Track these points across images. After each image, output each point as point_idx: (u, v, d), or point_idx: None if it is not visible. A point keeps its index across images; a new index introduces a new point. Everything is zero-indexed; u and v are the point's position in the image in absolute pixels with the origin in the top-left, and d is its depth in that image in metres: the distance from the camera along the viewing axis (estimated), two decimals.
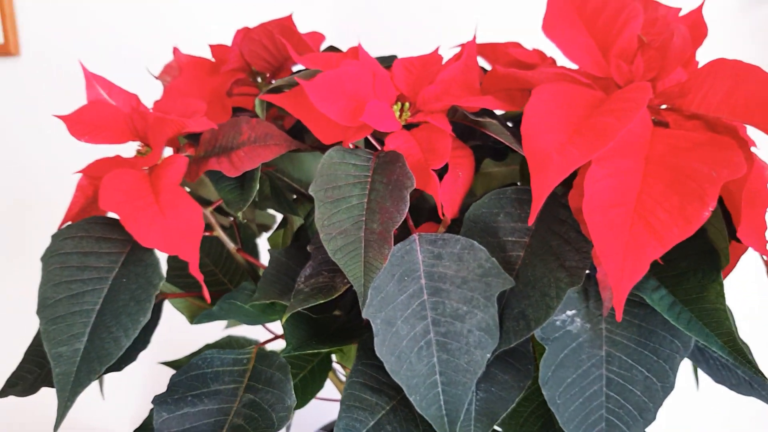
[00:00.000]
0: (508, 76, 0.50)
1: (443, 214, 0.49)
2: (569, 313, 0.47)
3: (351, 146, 0.49)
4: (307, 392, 0.56)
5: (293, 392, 0.48)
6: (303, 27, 0.61)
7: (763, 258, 0.50)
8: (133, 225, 0.46)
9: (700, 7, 0.54)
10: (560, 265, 0.46)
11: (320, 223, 0.46)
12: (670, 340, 0.47)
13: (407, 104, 0.50)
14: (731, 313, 0.47)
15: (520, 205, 0.49)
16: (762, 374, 0.45)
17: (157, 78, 0.60)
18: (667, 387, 0.47)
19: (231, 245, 0.58)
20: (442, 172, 0.49)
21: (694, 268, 0.46)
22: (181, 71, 0.58)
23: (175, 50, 0.59)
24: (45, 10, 1.09)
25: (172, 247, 0.47)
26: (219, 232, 0.57)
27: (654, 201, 0.42)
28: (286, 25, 0.57)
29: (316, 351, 0.55)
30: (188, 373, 0.49)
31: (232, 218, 0.66)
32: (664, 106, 0.49)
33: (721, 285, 0.45)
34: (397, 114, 0.50)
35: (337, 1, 1.04)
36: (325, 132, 0.49)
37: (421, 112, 0.49)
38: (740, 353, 0.43)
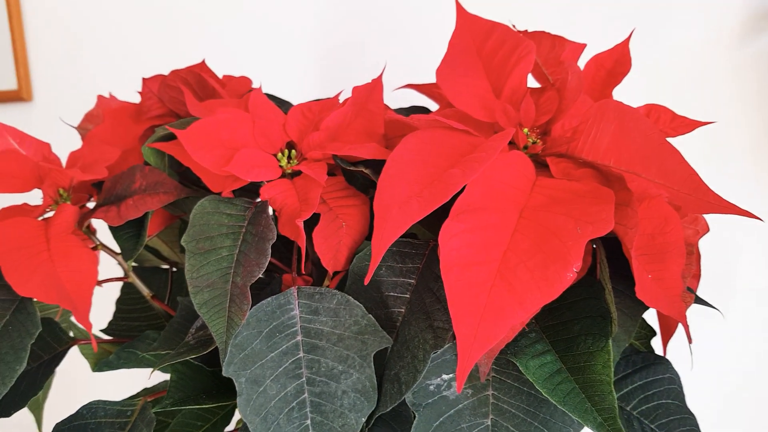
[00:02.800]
0: (396, 122, 0.47)
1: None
2: (445, 377, 0.43)
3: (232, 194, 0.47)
4: None
5: None
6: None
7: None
8: (11, 274, 0.47)
9: (627, 40, 0.50)
10: (429, 325, 0.42)
11: (189, 275, 0.44)
12: (562, 412, 0.42)
13: (294, 152, 0.48)
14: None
15: (401, 258, 0.46)
16: None
17: (76, 128, 0.61)
18: None
19: (145, 291, 0.57)
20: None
21: (585, 332, 0.42)
22: (104, 118, 0.58)
23: (99, 98, 0.60)
24: (58, 57, 1.14)
25: (53, 296, 0.47)
26: (134, 279, 0.57)
27: (518, 259, 0.38)
28: (196, 71, 0.57)
29: (214, 405, 0.53)
30: (71, 423, 0.49)
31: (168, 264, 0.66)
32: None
33: (609, 354, 0.40)
34: (284, 162, 0.48)
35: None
36: (211, 180, 0.48)
37: (306, 160, 0.48)
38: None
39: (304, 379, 0.44)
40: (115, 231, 0.52)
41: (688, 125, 0.48)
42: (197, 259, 0.45)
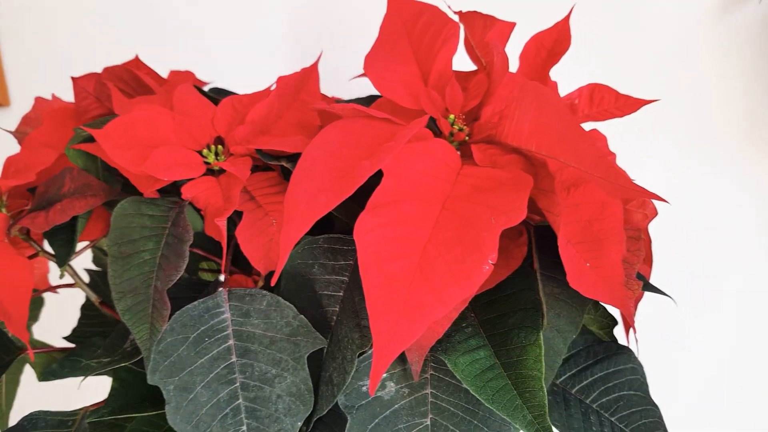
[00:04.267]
0: (327, 113, 0.45)
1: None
2: None
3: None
4: None
5: None
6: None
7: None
8: None
9: (567, 17, 0.48)
10: (357, 324, 0.40)
11: (112, 281, 0.43)
12: None
13: (220, 147, 0.47)
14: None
15: (333, 255, 0.44)
16: None
17: (13, 133, 0.59)
18: None
19: (93, 297, 0.56)
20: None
21: (519, 326, 0.40)
22: (43, 121, 0.57)
23: (37, 99, 0.59)
24: (33, 60, 1.13)
25: None
26: (80, 284, 0.56)
27: (437, 252, 0.36)
28: (130, 68, 0.55)
29: (154, 413, 0.52)
30: None
31: None
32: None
33: (541, 348, 0.38)
34: (211, 158, 0.46)
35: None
36: (136, 180, 0.46)
37: (232, 155, 0.46)
38: (547, 431, 0.36)
39: (238, 384, 0.43)
40: (49, 237, 0.51)
41: (633, 104, 0.46)
42: (119, 264, 0.43)
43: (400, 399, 0.41)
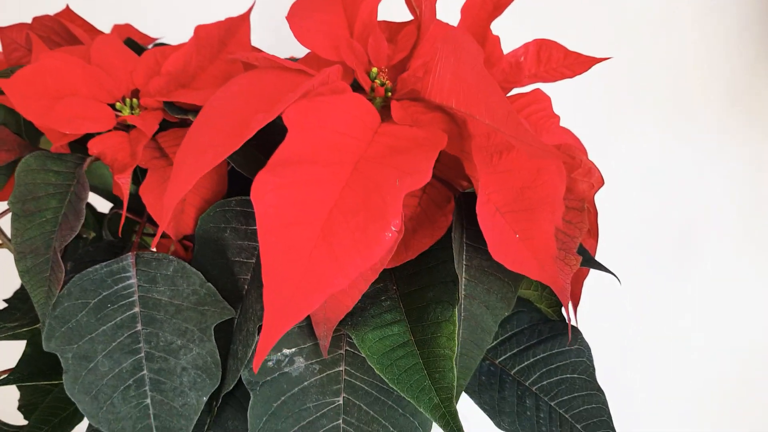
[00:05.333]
0: (247, 65, 0.42)
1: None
2: (286, 351, 0.38)
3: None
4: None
5: None
6: None
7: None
8: None
9: None
10: (260, 295, 0.37)
11: (14, 240, 0.40)
12: None
13: (135, 100, 0.43)
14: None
15: (245, 219, 0.41)
16: None
17: None
18: None
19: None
20: None
21: (436, 300, 0.37)
22: None
23: None
24: None
25: None
26: (7, 245, 0.53)
27: (343, 218, 0.32)
28: (59, 18, 0.51)
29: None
30: None
31: None
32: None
33: (455, 325, 0.35)
34: (126, 111, 0.43)
35: None
36: (48, 134, 0.43)
37: (145, 109, 0.43)
38: (452, 416, 0.33)
39: (142, 354, 0.40)
40: None
41: (583, 63, 0.42)
42: (22, 222, 0.40)
43: (309, 376, 0.38)
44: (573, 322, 0.49)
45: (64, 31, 0.53)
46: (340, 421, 0.38)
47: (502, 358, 0.47)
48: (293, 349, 0.38)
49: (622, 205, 0.91)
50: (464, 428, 0.35)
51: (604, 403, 0.46)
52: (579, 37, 0.85)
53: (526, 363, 0.47)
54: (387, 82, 0.38)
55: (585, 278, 0.47)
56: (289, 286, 0.32)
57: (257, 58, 0.38)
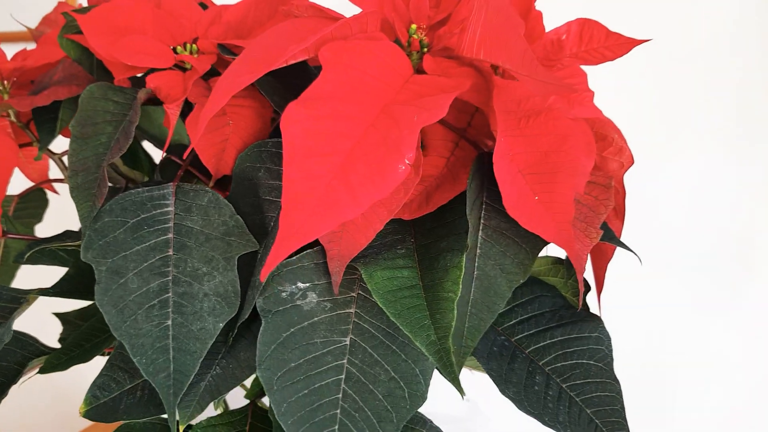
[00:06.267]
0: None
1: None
2: (300, 285, 0.40)
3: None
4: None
5: None
6: None
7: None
8: None
9: None
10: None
11: (69, 159, 0.44)
12: None
13: (194, 46, 0.46)
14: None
15: (279, 161, 0.43)
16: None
17: (31, 31, 0.62)
18: (416, 397, 0.38)
19: None
20: None
21: (448, 249, 0.37)
22: (58, 23, 0.59)
23: (60, 3, 0.61)
24: None
25: None
26: (65, 174, 0.57)
27: (363, 152, 0.34)
28: None
29: None
30: None
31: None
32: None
33: (461, 270, 0.36)
34: (188, 53, 0.46)
35: None
36: (112, 67, 0.47)
37: (203, 54, 0.46)
38: (446, 352, 0.33)
39: (170, 277, 0.42)
40: (37, 125, 0.53)
41: (624, 44, 0.42)
42: (78, 143, 0.44)
43: (320, 312, 0.40)
44: (596, 309, 0.49)
45: None
46: (345, 360, 0.39)
47: (518, 337, 0.47)
48: (307, 284, 0.40)
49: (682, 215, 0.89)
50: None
51: (619, 392, 0.45)
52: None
53: (542, 344, 0.47)
54: (424, 37, 0.39)
55: (608, 262, 0.46)
56: (304, 210, 0.34)
57: (301, 7, 0.40)
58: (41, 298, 0.53)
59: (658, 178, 0.91)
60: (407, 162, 0.32)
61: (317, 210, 0.34)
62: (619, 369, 0.47)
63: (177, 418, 0.40)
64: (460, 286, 0.35)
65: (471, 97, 0.37)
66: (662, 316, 0.93)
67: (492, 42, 0.33)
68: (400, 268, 0.38)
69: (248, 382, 0.57)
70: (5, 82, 0.55)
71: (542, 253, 0.50)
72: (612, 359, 0.47)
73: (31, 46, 0.58)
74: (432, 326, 0.35)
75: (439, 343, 0.34)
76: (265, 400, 0.54)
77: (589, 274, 0.50)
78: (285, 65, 0.37)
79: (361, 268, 0.37)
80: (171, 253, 0.43)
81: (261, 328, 0.39)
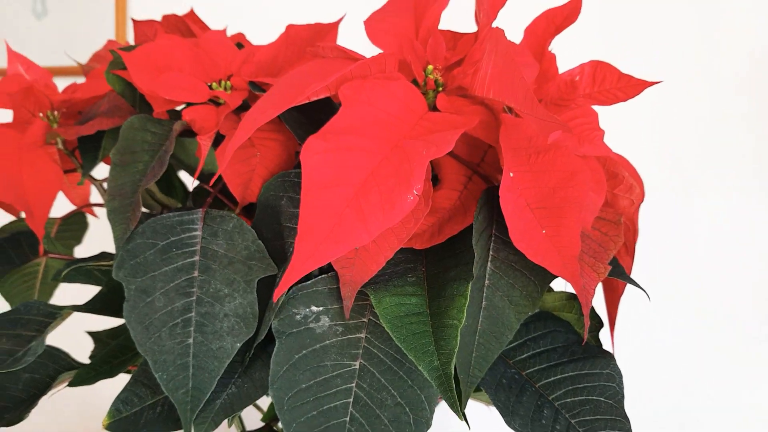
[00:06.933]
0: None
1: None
2: (314, 308, 0.42)
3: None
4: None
5: None
6: None
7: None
8: None
9: None
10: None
11: (109, 184, 0.47)
12: None
13: (228, 83, 0.50)
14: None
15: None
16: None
17: (84, 66, 0.66)
18: (421, 423, 0.39)
19: None
20: None
21: (456, 278, 0.39)
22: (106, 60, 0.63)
23: (109, 41, 0.66)
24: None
25: (10, 196, 0.52)
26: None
27: (376, 183, 0.36)
28: (183, 19, 0.60)
29: None
30: (8, 316, 0.53)
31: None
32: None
33: (466, 299, 0.37)
34: (222, 89, 0.49)
35: None
36: (152, 101, 0.50)
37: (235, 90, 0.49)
38: (447, 377, 0.34)
39: (194, 298, 0.45)
40: (81, 152, 0.56)
41: (635, 86, 0.44)
42: (117, 170, 0.47)
43: (332, 336, 0.41)
44: (608, 346, 0.49)
45: (186, 29, 0.62)
46: (354, 384, 0.41)
47: (529, 370, 0.48)
48: (321, 308, 0.42)
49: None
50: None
51: (629, 431, 0.46)
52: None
53: (553, 378, 0.47)
54: (439, 77, 0.41)
55: (620, 297, 0.47)
56: (318, 236, 0.36)
57: (326, 48, 0.43)
58: (78, 317, 0.56)
59: (695, 217, 0.91)
60: (416, 193, 0.34)
61: (330, 236, 0.36)
62: (631, 409, 0.47)
63: None
64: (465, 314, 0.36)
65: (480, 134, 0.39)
66: (685, 362, 0.92)
67: (500, 82, 0.35)
68: (409, 295, 0.39)
69: (265, 405, 0.59)
70: (55, 112, 0.59)
71: (559, 288, 0.51)
72: (623, 397, 0.47)
73: (81, 80, 0.62)
74: (436, 352, 0.36)
75: (441, 368, 0.35)
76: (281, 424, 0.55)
77: (602, 310, 0.51)
78: (308, 101, 0.39)
79: (371, 294, 0.39)
80: (196, 274, 0.45)
81: (275, 349, 0.41)
